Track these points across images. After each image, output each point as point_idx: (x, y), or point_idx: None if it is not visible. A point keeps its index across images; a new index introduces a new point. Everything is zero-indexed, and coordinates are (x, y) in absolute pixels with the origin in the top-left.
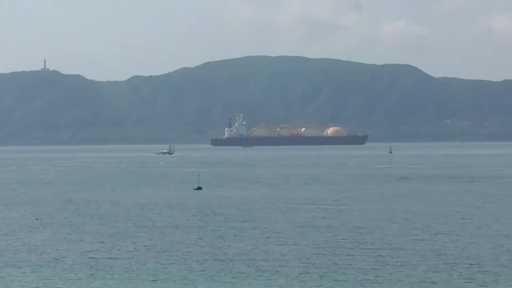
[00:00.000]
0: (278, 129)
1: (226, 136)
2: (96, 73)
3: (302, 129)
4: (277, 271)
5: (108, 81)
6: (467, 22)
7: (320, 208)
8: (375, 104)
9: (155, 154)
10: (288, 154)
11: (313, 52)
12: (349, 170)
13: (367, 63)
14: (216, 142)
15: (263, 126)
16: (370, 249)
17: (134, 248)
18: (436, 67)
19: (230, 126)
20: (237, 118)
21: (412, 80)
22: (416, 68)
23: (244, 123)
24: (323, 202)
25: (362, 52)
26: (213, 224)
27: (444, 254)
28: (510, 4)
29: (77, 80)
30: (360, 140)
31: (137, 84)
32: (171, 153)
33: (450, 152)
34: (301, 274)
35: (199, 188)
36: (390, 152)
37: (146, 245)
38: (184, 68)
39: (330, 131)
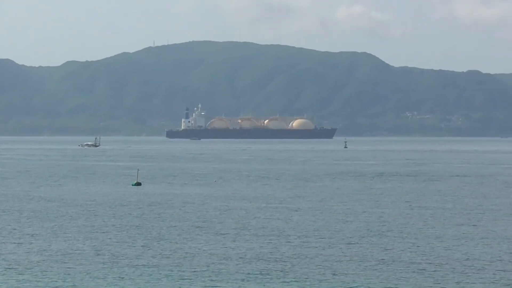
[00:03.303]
0: (239, 120)
1: (183, 127)
2: (27, 58)
3: (266, 121)
4: (215, 275)
5: (41, 66)
6: (428, 7)
7: (261, 207)
8: (330, 95)
9: (80, 146)
10: (238, 148)
11: (263, 37)
12: (294, 166)
13: (322, 50)
14: (171, 134)
15: (223, 118)
16: (319, 252)
17: (56, 249)
18: (396, 55)
19: (187, 117)
20: (195, 109)
21: (370, 69)
22: (375, 57)
23: (203, 113)
24: (264, 200)
25: (316, 38)
26: (150, 223)
27: (399, 260)
28: None
29: (6, 65)
30: (328, 133)
31: (73, 69)
32: (97, 146)
33: (409, 148)
34: (240, 278)
35: (138, 184)
36: (345, 147)
37: (64, 247)
38: (124, 53)
39: (295, 123)
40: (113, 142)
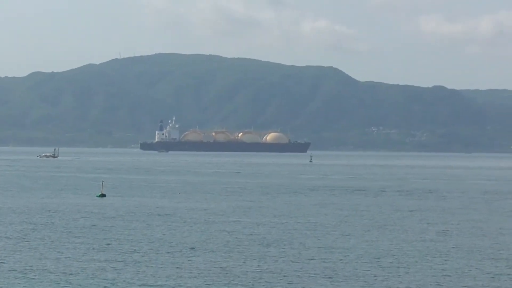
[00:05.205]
0: (213, 133)
1: (157, 140)
2: None
3: (240, 134)
4: None
5: (6, 77)
6: (394, 22)
7: (223, 220)
8: (296, 109)
9: (38, 157)
10: (205, 161)
11: (229, 51)
12: (257, 180)
13: (288, 64)
14: (145, 146)
15: (197, 130)
16: (280, 266)
17: (16, 261)
18: (361, 70)
19: (161, 129)
20: (170, 121)
21: (336, 83)
22: (341, 71)
23: (177, 126)
24: (220, 214)
25: (282, 52)
26: (113, 235)
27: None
28: (438, 4)
29: None
30: (301, 147)
31: (38, 80)
32: (56, 157)
33: (373, 162)
34: None
35: (103, 195)
36: (311, 161)
37: (26, 258)
38: (90, 64)
39: (269, 137)
40: (78, 154)
